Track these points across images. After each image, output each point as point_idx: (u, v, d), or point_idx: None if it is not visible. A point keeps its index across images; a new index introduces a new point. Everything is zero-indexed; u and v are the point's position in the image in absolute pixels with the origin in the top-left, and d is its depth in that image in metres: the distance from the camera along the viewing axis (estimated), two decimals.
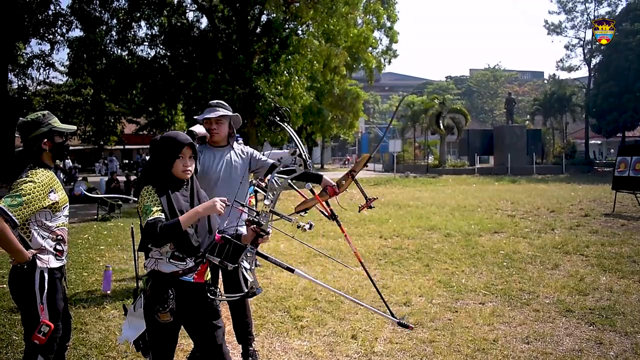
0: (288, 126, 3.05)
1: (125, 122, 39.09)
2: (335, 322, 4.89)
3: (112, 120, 37.81)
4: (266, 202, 2.80)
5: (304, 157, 2.83)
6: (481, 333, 4.52)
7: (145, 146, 36.61)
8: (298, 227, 2.89)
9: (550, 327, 4.66)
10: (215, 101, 3.89)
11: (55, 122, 3.11)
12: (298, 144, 2.87)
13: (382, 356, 4.07)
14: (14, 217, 2.72)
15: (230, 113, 3.83)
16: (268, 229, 2.74)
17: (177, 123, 33.89)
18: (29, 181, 2.86)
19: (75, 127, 3.30)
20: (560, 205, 14.11)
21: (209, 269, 2.87)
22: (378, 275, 6.66)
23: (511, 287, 5.95)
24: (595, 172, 32.54)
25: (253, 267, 2.77)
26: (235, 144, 4.03)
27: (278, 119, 3.08)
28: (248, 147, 4.14)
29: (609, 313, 4.96)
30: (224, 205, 2.60)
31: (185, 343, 4.24)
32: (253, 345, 4.04)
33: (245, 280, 2.66)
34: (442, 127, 35.36)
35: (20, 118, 3.08)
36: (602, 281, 6.17)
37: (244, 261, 2.75)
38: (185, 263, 2.67)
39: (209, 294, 2.67)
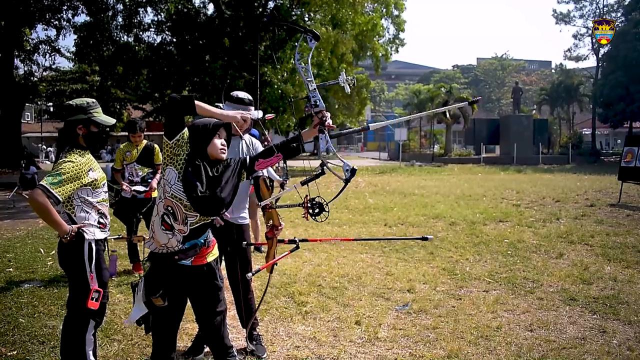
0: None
1: (131, 108, 39.04)
2: (339, 308, 4.91)
3: (118, 107, 37.78)
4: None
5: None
6: (485, 320, 4.53)
7: (150, 133, 36.53)
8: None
9: (553, 315, 4.67)
10: (244, 96, 3.82)
11: (97, 112, 3.34)
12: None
13: (386, 342, 4.09)
14: (56, 194, 2.97)
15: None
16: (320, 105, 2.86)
17: None
18: (68, 161, 3.14)
19: (114, 121, 3.49)
20: (566, 195, 14.07)
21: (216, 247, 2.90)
22: (382, 262, 6.67)
23: (515, 276, 5.95)
24: (602, 163, 32.41)
25: (335, 151, 2.83)
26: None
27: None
28: (257, 140, 4.05)
29: (612, 302, 4.97)
30: (246, 118, 2.87)
31: (190, 327, 4.28)
32: (257, 329, 4.07)
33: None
34: (448, 116, 35.23)
35: (71, 101, 3.32)
36: (607, 270, 6.17)
37: (324, 153, 2.81)
38: (172, 233, 2.64)
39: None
